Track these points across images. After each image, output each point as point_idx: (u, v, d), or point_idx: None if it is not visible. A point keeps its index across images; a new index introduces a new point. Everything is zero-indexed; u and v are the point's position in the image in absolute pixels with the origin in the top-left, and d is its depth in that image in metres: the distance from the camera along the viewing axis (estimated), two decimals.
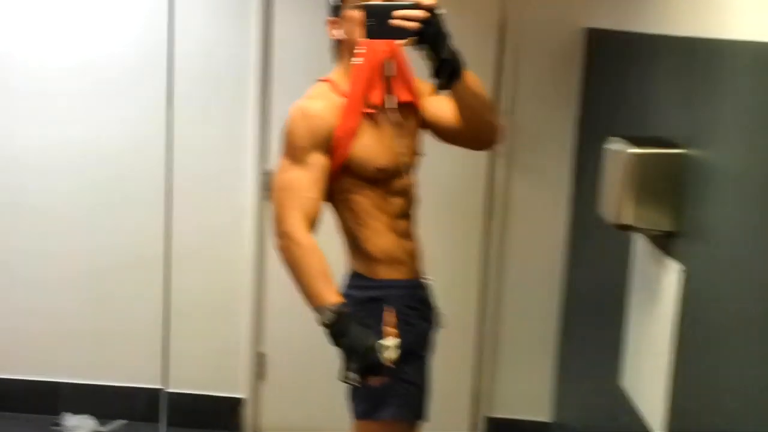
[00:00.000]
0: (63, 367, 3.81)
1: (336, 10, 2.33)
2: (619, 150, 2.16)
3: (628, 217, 2.13)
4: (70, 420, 3.71)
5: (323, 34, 3.42)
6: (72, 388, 3.81)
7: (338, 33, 2.32)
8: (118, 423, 3.74)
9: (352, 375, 2.14)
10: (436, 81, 2.09)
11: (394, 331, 2.28)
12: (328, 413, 3.49)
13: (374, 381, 2.20)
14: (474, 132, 2.36)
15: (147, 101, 3.59)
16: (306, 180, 2.23)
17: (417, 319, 2.39)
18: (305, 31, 3.52)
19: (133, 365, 3.78)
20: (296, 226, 2.20)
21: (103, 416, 3.74)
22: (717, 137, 1.92)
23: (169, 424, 3.77)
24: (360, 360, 2.13)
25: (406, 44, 2.06)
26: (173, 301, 3.73)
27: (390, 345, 2.24)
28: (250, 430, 3.82)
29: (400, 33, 2.01)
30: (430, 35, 2.01)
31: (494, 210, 3.62)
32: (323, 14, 3.41)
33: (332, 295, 2.17)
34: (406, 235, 2.42)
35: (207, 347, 3.78)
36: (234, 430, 3.81)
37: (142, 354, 3.77)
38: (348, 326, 2.15)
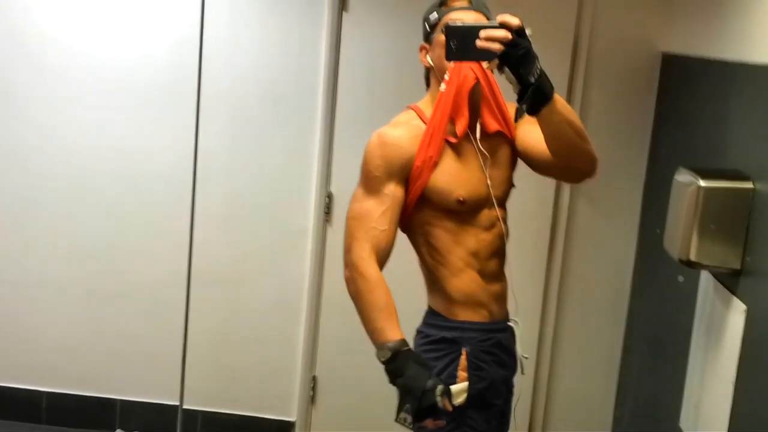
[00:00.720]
0: (117, 383, 3.83)
1: (427, 36, 2.26)
2: (687, 182, 2.09)
3: (693, 253, 2.04)
4: None
5: (389, 58, 3.48)
6: (125, 404, 3.83)
7: (428, 59, 2.26)
8: None
9: (405, 416, 2.04)
10: (521, 106, 1.94)
11: (464, 375, 2.20)
12: None
13: (429, 424, 2.10)
14: (566, 162, 2.15)
15: (206, 120, 3.61)
16: (378, 211, 2.17)
17: (492, 366, 2.24)
18: (372, 56, 3.51)
19: (187, 385, 3.78)
20: (363, 257, 2.14)
21: None
22: None
23: None
24: (415, 402, 2.03)
25: (489, 67, 1.95)
26: (231, 321, 3.74)
27: (458, 389, 2.17)
28: None
29: (483, 55, 1.87)
30: (515, 57, 1.86)
31: (556, 239, 3.54)
32: (390, 40, 3.47)
33: (393, 333, 2.08)
34: (493, 276, 2.29)
35: (261, 368, 3.77)
36: None
37: (194, 374, 3.77)
38: (405, 366, 2.05)
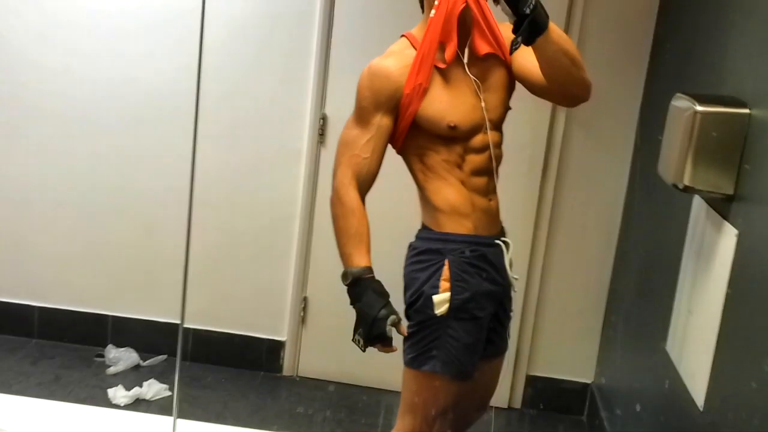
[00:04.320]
0: (109, 299, 3.87)
1: None
2: (684, 107, 2.08)
3: (687, 178, 2.05)
4: (113, 352, 3.78)
5: None
6: (117, 321, 3.88)
7: None
8: (160, 358, 3.80)
9: (358, 338, 2.18)
10: (517, 38, 1.98)
11: (446, 285, 2.24)
12: (364, 360, 3.48)
13: (379, 349, 2.20)
14: (560, 88, 2.21)
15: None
16: (363, 139, 2.23)
17: (475, 277, 2.27)
18: None
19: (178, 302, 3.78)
20: (344, 183, 2.22)
21: (145, 350, 3.81)
22: None
23: (212, 362, 3.84)
24: (366, 327, 2.15)
25: None
26: (224, 241, 3.76)
27: (440, 299, 2.23)
28: (288, 373, 3.86)
29: None
30: None
31: (549, 166, 3.55)
32: None
33: (359, 259, 2.20)
34: (483, 192, 2.32)
35: (253, 288, 3.80)
36: (273, 372, 3.86)
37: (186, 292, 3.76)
38: (364, 293, 2.17)
